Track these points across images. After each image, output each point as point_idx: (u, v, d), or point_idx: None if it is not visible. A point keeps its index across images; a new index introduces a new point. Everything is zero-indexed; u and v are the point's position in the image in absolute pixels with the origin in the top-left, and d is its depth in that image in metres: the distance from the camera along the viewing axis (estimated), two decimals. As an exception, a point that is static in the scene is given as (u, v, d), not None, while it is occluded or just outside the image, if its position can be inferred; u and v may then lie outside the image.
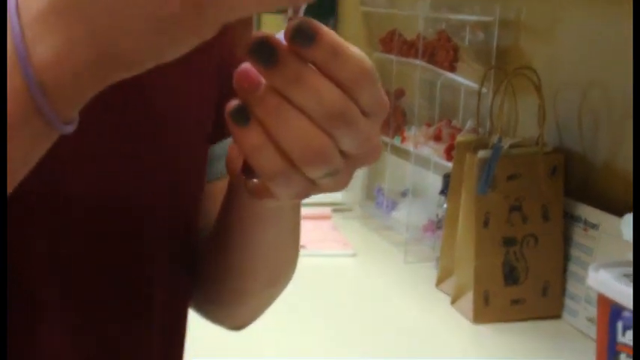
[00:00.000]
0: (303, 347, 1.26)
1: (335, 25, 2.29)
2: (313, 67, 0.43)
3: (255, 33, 0.42)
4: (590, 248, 1.34)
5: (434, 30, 1.72)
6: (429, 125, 1.73)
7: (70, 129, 0.44)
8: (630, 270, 1.04)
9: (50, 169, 0.53)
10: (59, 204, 0.58)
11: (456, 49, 1.65)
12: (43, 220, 0.58)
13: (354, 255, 1.66)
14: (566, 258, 1.38)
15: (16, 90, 0.41)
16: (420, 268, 1.59)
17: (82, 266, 0.60)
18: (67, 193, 0.58)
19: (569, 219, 1.38)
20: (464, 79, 1.61)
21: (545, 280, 1.38)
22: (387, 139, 1.80)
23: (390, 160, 1.84)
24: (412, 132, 1.74)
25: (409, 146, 1.73)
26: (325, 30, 0.43)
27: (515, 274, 1.37)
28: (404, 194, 1.84)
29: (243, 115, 0.44)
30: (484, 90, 1.47)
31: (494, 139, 1.35)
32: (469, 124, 1.56)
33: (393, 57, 1.79)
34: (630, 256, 1.09)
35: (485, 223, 1.35)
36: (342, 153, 0.46)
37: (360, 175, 1.99)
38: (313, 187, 0.47)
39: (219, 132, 0.70)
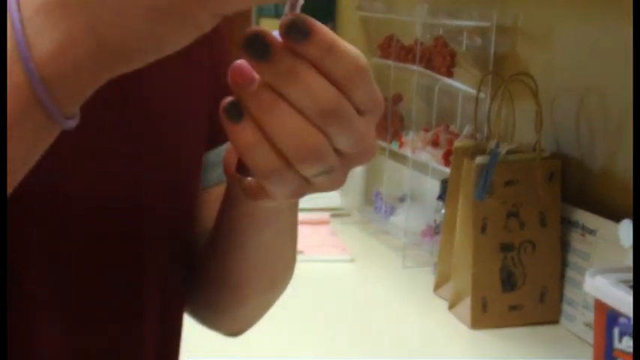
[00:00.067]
0: (301, 351, 1.26)
1: (333, 30, 2.29)
2: (308, 64, 0.43)
3: (250, 28, 0.42)
4: (587, 254, 1.34)
5: (431, 35, 1.72)
6: (426, 130, 1.73)
7: (71, 124, 0.44)
8: (627, 276, 1.03)
9: (50, 169, 0.53)
10: (59, 203, 0.58)
11: (453, 55, 1.65)
12: (43, 219, 0.58)
13: (352, 260, 1.66)
14: (563, 263, 1.38)
15: (17, 85, 0.41)
16: (418, 273, 1.59)
17: (82, 266, 0.60)
18: (66, 193, 0.58)
19: (567, 224, 1.38)
20: (461, 85, 1.61)
21: (543, 285, 1.38)
22: (384, 144, 1.81)
23: (388, 165, 1.84)
24: (410, 137, 1.74)
25: (407, 151, 1.73)
26: (320, 26, 0.42)
27: (512, 280, 1.37)
28: (402, 199, 1.84)
29: (237, 110, 0.44)
30: (481, 95, 1.48)
31: (492, 144, 1.35)
32: (467, 129, 1.56)
33: (390, 62, 1.79)
34: (627, 262, 1.09)
35: (483, 229, 1.35)
36: (337, 151, 0.46)
37: (358, 180, 1.99)
38: (308, 185, 0.47)
39: (214, 138, 0.70)
